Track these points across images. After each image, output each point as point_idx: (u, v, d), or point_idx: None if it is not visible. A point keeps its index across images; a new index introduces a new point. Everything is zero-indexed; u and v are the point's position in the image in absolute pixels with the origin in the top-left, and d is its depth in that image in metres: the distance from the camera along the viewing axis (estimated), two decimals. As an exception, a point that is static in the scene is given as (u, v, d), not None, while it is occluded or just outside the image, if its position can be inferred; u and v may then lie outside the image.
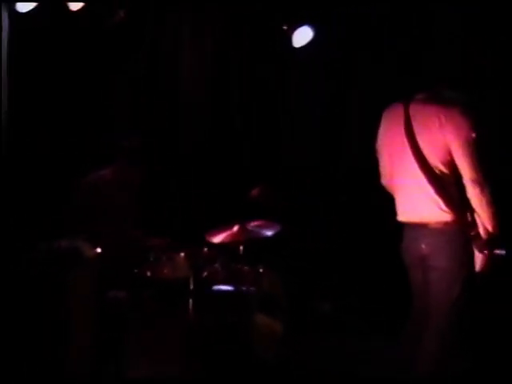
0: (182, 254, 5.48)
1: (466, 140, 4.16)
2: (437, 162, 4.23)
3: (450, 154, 4.21)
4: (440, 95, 4.32)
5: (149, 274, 5.32)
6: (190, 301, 5.43)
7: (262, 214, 6.04)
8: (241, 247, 5.85)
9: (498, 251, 4.75)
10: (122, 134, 5.80)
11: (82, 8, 5.88)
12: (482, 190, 4.16)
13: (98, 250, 5.07)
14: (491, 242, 4.22)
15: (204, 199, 6.68)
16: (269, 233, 5.94)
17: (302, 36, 6.98)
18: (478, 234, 4.23)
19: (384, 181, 4.57)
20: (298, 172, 7.52)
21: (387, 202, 4.58)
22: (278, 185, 6.76)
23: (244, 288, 5.64)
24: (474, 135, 4.17)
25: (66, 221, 5.46)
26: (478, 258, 4.27)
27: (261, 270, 5.81)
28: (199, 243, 5.72)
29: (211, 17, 6.99)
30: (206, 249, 5.69)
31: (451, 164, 4.22)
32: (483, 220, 4.19)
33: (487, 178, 4.17)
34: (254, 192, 6.08)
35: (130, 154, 5.63)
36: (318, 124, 7.67)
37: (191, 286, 5.44)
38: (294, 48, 7.08)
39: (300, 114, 7.60)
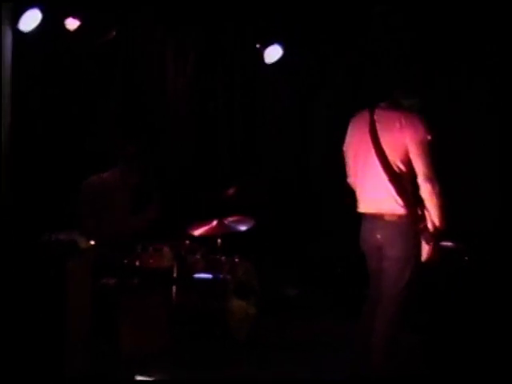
0: (167, 246, 5.56)
1: (422, 142, 4.26)
2: (396, 161, 4.30)
3: (408, 154, 4.29)
4: (399, 103, 4.43)
5: (137, 263, 5.39)
6: (174, 287, 5.61)
7: (237, 210, 6.16)
8: (219, 240, 6.01)
9: (445, 243, 4.86)
10: (119, 142, 5.85)
11: (78, 27, 5.92)
12: (434, 187, 4.23)
13: (92, 242, 5.08)
14: (438, 235, 4.29)
15: (186, 198, 6.67)
16: (244, 227, 6.07)
17: (273, 53, 7.07)
18: (426, 227, 4.29)
19: (349, 179, 4.62)
20: (269, 173, 7.64)
21: (348, 196, 4.64)
22: (252, 184, 6.82)
23: (221, 276, 5.77)
24: (429, 138, 4.28)
25: (72, 216, 5.47)
26: (425, 249, 4.32)
27: (236, 260, 5.97)
28: (182, 236, 5.85)
29: (193, 36, 7.07)
30: (187, 241, 5.83)
31: (408, 163, 4.29)
32: (432, 214, 4.25)
33: (438, 177, 4.27)
34: (230, 191, 6.16)
35: (130, 159, 5.68)
36: (289, 131, 7.77)
37: (175, 274, 5.59)
38: (266, 64, 7.18)
39: (273, 122, 7.69)
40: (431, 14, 6.65)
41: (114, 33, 6.18)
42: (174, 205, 6.22)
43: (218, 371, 5.15)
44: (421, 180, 4.26)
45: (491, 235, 6.69)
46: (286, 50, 7.07)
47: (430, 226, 4.30)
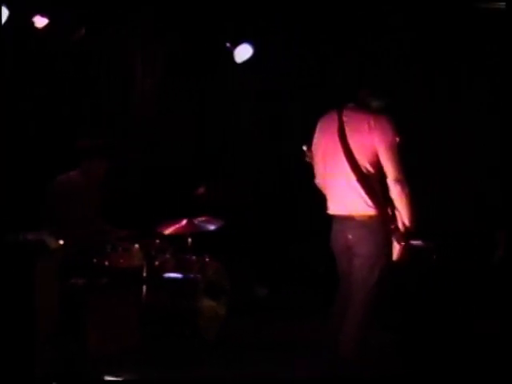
0: (137, 246, 5.56)
1: (391, 144, 4.28)
2: (365, 162, 4.32)
3: (376, 155, 4.30)
4: (367, 104, 4.44)
5: (106, 263, 5.37)
6: (144, 287, 5.56)
7: (206, 210, 6.14)
8: (189, 239, 5.97)
9: (414, 242, 4.88)
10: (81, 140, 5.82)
11: (47, 25, 5.86)
12: (403, 188, 4.26)
13: (61, 242, 5.05)
14: (408, 235, 4.31)
15: (156, 197, 6.67)
16: (213, 227, 6.04)
17: (243, 52, 7.03)
18: (397, 227, 4.31)
19: (317, 180, 4.62)
20: (239, 174, 7.62)
21: (317, 198, 4.65)
22: (221, 185, 6.82)
23: (191, 275, 5.75)
24: (397, 139, 4.30)
25: (41, 216, 5.44)
26: (396, 249, 4.34)
27: (206, 260, 5.94)
28: (152, 236, 5.80)
29: (162, 36, 7.03)
30: (157, 241, 5.79)
31: (377, 164, 4.31)
32: (402, 215, 4.28)
33: (407, 178, 4.29)
34: (200, 191, 6.14)
35: (98, 151, 5.66)
36: (259, 130, 7.75)
37: (144, 274, 5.55)
38: (236, 63, 7.13)
39: (242, 122, 7.68)
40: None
41: (83, 32, 6.14)
42: (143, 204, 6.20)
43: (187, 371, 5.12)
44: (390, 181, 4.28)
45: (459, 234, 6.76)
46: (257, 49, 7.05)
47: (400, 226, 4.31)
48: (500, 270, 6.38)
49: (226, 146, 7.63)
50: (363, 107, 4.40)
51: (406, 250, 4.34)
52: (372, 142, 4.29)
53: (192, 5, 6.68)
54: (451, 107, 7.02)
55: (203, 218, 6.05)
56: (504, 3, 6.05)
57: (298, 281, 7.22)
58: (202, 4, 6.63)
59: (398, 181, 4.26)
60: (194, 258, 5.90)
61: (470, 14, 6.56)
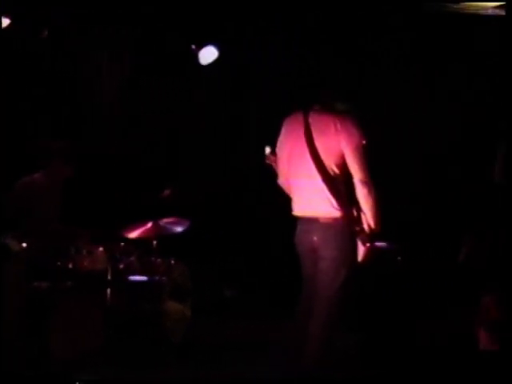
0: (101, 248, 5.51)
1: (357, 146, 4.30)
2: (331, 164, 4.33)
3: (342, 157, 4.31)
4: (332, 106, 4.44)
5: (70, 266, 5.31)
6: (108, 290, 5.49)
7: (172, 211, 6.10)
8: (154, 242, 5.91)
9: (379, 244, 4.90)
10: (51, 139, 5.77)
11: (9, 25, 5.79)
12: (370, 191, 4.27)
13: (24, 245, 5.01)
14: (373, 237, 4.33)
15: (120, 199, 6.63)
16: (179, 229, 6.01)
17: (208, 55, 6.96)
18: (362, 228, 4.32)
19: (281, 180, 4.60)
20: (204, 175, 7.58)
21: (282, 199, 4.65)
22: (187, 186, 6.79)
23: (157, 278, 5.70)
24: (363, 142, 4.31)
25: (3, 219, 5.38)
26: (361, 250, 4.35)
27: (172, 262, 5.89)
28: (116, 239, 5.74)
29: (128, 39, 7.00)
30: (122, 243, 5.73)
31: (343, 166, 4.32)
32: (368, 217, 4.29)
33: (373, 180, 4.30)
34: (166, 192, 6.11)
35: (58, 152, 5.61)
36: (222, 132, 7.71)
37: (109, 277, 5.49)
38: (202, 65, 7.06)
39: (207, 123, 7.63)
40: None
41: (47, 32, 6.08)
42: (108, 206, 6.16)
43: (153, 373, 5.10)
44: (357, 183, 4.29)
45: (424, 235, 6.81)
46: (222, 51, 6.99)
47: (365, 227, 4.32)
48: (465, 272, 6.43)
49: (190, 147, 7.59)
50: (329, 109, 4.40)
51: (371, 252, 4.34)
52: (338, 144, 4.29)
53: (161, 5, 6.63)
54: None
55: (169, 220, 6.00)
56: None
57: (265, 281, 7.20)
58: (168, 4, 6.59)
59: (364, 183, 4.27)
60: (159, 260, 5.83)
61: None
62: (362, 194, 4.28)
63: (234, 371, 5.19)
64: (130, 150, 7.13)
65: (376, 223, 4.29)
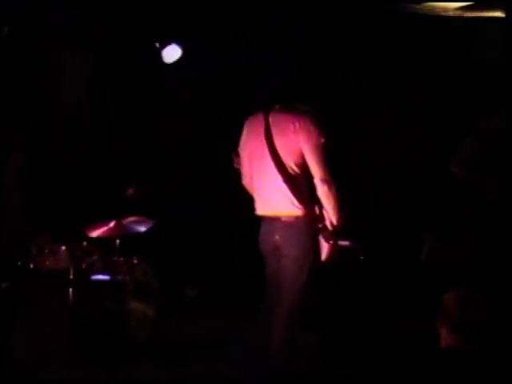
0: (63, 248, 5.46)
1: (316, 144, 4.30)
2: (291, 163, 4.33)
3: (302, 156, 4.32)
4: (292, 106, 4.45)
5: (32, 265, 5.26)
6: (70, 289, 5.44)
7: (136, 210, 6.06)
8: (117, 241, 5.87)
9: (342, 242, 4.90)
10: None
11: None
12: (330, 188, 4.28)
13: None
14: (335, 234, 4.33)
15: (84, 197, 6.58)
16: (143, 228, 5.96)
17: (171, 53, 6.92)
18: (325, 226, 4.33)
19: (244, 181, 4.61)
20: (167, 174, 7.53)
21: (245, 198, 4.63)
22: (150, 185, 6.75)
23: (119, 277, 5.66)
24: (322, 140, 4.31)
25: None
26: (324, 248, 4.36)
27: (135, 261, 5.85)
28: (79, 238, 5.69)
29: (92, 35, 6.92)
30: (84, 242, 5.68)
31: (303, 165, 4.33)
32: (329, 214, 4.30)
33: (334, 178, 4.31)
34: (129, 191, 6.07)
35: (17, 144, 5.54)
36: (187, 132, 7.63)
37: (71, 276, 5.43)
38: (166, 64, 7.01)
39: (169, 123, 7.56)
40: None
41: (6, 29, 5.99)
42: (70, 205, 6.11)
43: (118, 372, 5.04)
44: (317, 181, 4.30)
45: (387, 234, 6.84)
46: (186, 49, 6.96)
47: (328, 225, 4.33)
48: (426, 271, 6.48)
49: (154, 147, 7.55)
50: (289, 109, 4.42)
51: (335, 250, 4.36)
52: (298, 142, 4.30)
53: (121, 4, 6.58)
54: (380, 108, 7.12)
55: (132, 219, 5.96)
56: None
57: (227, 281, 7.18)
58: (131, 3, 6.54)
59: (324, 180, 4.28)
60: (122, 259, 5.80)
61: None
62: (322, 192, 4.29)
63: (199, 370, 5.16)
64: (94, 149, 7.05)
65: (338, 221, 4.29)
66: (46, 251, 5.34)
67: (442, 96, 7.18)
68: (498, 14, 6.36)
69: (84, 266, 5.56)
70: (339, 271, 5.68)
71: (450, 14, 6.40)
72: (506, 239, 5.78)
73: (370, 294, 5.90)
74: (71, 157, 6.86)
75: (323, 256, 4.36)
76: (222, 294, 7.02)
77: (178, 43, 6.91)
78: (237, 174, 4.66)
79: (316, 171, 4.29)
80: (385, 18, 6.74)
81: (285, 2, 6.46)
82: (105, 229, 5.78)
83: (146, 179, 6.92)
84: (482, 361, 3.17)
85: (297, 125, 4.31)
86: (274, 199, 4.38)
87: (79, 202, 6.50)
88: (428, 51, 7.08)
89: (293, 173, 4.33)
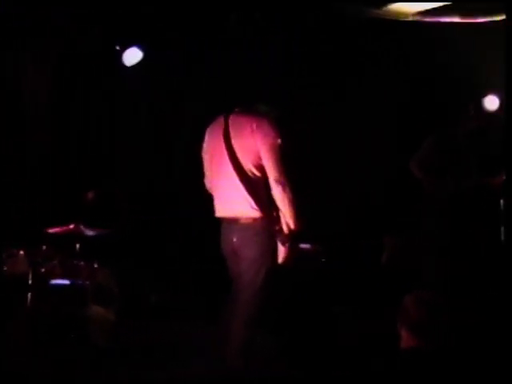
0: (22, 252, 5.37)
1: (272, 145, 4.28)
2: (248, 165, 4.32)
3: (260, 157, 4.30)
4: (254, 108, 4.45)
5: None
6: (29, 294, 5.34)
7: (97, 214, 5.98)
8: (77, 245, 5.77)
9: (302, 245, 4.88)
10: None
11: None
12: (284, 189, 4.25)
13: None
14: (292, 237, 4.29)
15: (43, 201, 6.49)
16: (102, 231, 5.88)
17: (132, 56, 6.84)
18: (281, 228, 4.29)
19: (206, 182, 4.60)
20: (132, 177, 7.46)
21: (209, 201, 4.61)
22: (113, 187, 6.68)
23: (80, 282, 5.57)
24: (279, 142, 4.30)
25: None
26: (282, 251, 4.32)
27: (95, 266, 5.75)
28: (38, 242, 5.58)
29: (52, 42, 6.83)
30: (44, 247, 5.57)
31: (261, 167, 4.31)
32: (286, 216, 4.26)
33: (289, 180, 4.27)
34: (89, 195, 6.00)
35: None
36: (150, 134, 7.61)
37: (30, 281, 5.34)
38: (127, 66, 6.94)
39: (131, 126, 7.50)
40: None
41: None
42: (29, 208, 6.02)
43: (77, 377, 4.97)
44: (271, 182, 4.27)
45: (348, 237, 6.85)
46: (147, 52, 6.88)
47: (284, 227, 4.29)
48: (387, 274, 6.50)
49: (117, 149, 7.47)
50: (248, 111, 4.41)
51: (291, 252, 4.30)
52: (255, 144, 4.29)
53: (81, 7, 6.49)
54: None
55: (92, 223, 5.85)
56: None
57: (190, 284, 7.13)
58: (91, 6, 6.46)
59: (278, 182, 4.25)
60: (82, 263, 5.70)
61: None
62: (276, 193, 4.26)
63: (161, 374, 5.08)
64: (54, 151, 6.96)
65: (294, 222, 4.26)
66: (4, 255, 5.26)
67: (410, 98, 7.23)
68: (456, 19, 6.41)
69: (43, 270, 5.47)
70: (301, 273, 5.68)
71: (410, 18, 6.42)
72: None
73: (332, 295, 5.90)
74: (31, 159, 6.76)
75: (280, 259, 4.31)
76: (186, 297, 6.97)
77: (139, 46, 6.86)
78: (201, 175, 4.64)
79: (271, 172, 4.27)
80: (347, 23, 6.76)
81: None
82: (64, 232, 5.68)
83: (108, 181, 6.88)
84: (442, 362, 3.16)
85: (254, 126, 4.30)
86: (231, 201, 4.37)
87: (39, 204, 6.39)
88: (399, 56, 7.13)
89: (251, 174, 4.31)
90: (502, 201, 5.98)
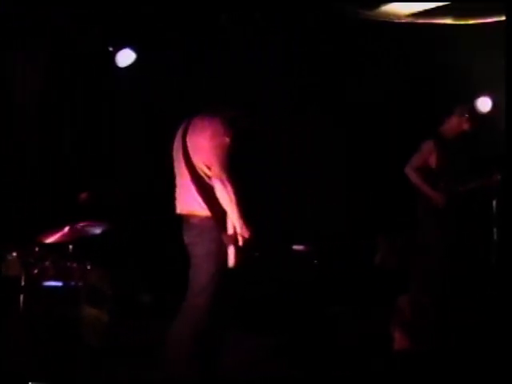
0: (14, 254, 5.34)
1: (219, 144, 4.24)
2: (200, 164, 4.31)
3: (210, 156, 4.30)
4: (220, 112, 4.41)
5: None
6: (22, 296, 5.30)
7: (90, 215, 5.94)
8: (70, 246, 5.73)
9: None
10: None
11: None
12: (224, 187, 4.19)
13: None
14: (237, 237, 4.20)
15: (36, 202, 6.45)
16: (97, 231, 5.84)
17: (125, 57, 6.82)
18: (226, 228, 4.22)
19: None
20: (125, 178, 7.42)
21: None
22: (105, 188, 6.65)
23: (72, 283, 5.55)
24: (227, 140, 4.26)
25: None
26: (230, 253, 4.22)
27: (88, 267, 5.71)
28: (31, 244, 5.54)
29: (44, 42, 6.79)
30: (36, 248, 5.53)
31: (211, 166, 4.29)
32: (231, 217, 4.21)
33: (233, 180, 4.20)
34: (83, 195, 5.97)
35: None
36: (149, 134, 7.49)
37: (22, 283, 5.30)
38: (120, 67, 6.90)
39: (129, 126, 7.48)
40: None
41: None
42: (22, 210, 5.98)
43: (71, 378, 4.97)
44: (213, 179, 4.25)
45: (341, 238, 6.82)
46: (142, 52, 6.86)
47: (230, 228, 4.22)
48: (381, 274, 6.49)
49: (109, 148, 7.43)
50: (210, 111, 4.41)
51: (239, 255, 4.20)
52: (204, 142, 4.29)
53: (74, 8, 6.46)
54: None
55: (86, 223, 5.81)
56: None
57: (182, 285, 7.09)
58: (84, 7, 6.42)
59: (218, 178, 4.22)
60: (75, 265, 5.66)
61: None
62: (217, 190, 4.23)
63: (154, 375, 4.93)
64: (46, 151, 6.92)
65: (240, 225, 4.18)
66: (-4, 257, 5.19)
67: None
68: (449, 20, 6.39)
69: (36, 272, 5.44)
70: (294, 275, 5.67)
71: (403, 20, 6.40)
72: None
73: (325, 297, 5.90)
74: (22, 159, 6.72)
75: (229, 261, 4.22)
76: (178, 298, 6.96)
77: (132, 47, 6.83)
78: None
79: (214, 170, 4.24)
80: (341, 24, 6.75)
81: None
82: (59, 235, 5.63)
83: (100, 181, 6.84)
84: (435, 364, 3.15)
85: (205, 124, 4.32)
86: (184, 199, 4.41)
87: (31, 206, 6.36)
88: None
89: (201, 173, 4.31)
90: (494, 202, 5.96)
